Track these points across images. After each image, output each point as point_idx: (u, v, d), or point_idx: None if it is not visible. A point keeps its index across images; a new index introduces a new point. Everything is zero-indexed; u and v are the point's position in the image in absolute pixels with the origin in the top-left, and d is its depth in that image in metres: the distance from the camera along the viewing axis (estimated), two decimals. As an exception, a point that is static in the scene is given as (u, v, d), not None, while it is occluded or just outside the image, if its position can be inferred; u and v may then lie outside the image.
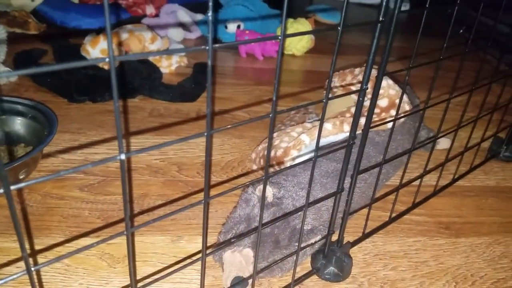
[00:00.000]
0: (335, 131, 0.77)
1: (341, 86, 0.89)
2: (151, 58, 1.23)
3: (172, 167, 0.85)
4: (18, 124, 0.83)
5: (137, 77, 1.13)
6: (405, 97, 0.80)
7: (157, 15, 1.59)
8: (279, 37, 0.34)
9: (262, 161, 0.83)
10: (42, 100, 1.03)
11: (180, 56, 1.30)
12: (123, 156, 0.29)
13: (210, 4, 0.28)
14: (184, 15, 1.53)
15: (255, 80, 1.28)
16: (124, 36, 1.20)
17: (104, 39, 1.18)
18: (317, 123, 0.83)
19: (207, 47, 0.30)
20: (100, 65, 1.16)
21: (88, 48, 1.18)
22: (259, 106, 1.13)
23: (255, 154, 0.85)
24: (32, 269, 0.30)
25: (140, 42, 1.21)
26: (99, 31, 1.28)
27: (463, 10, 1.76)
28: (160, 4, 1.62)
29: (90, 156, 0.86)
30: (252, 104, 1.13)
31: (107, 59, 0.25)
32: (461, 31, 1.78)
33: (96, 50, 1.18)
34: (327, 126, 0.77)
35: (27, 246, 0.65)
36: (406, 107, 0.80)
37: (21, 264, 0.61)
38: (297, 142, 0.76)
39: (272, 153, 0.79)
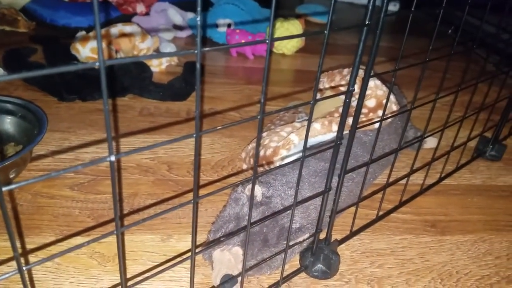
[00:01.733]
0: (324, 131, 0.78)
1: (330, 86, 0.90)
2: (141, 57, 1.23)
3: (162, 166, 0.86)
4: (8, 123, 0.83)
5: (127, 76, 1.13)
6: (392, 97, 0.81)
7: (147, 14, 1.59)
8: (267, 41, 0.35)
9: (252, 160, 0.83)
10: (32, 99, 1.03)
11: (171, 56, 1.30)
12: (113, 158, 0.30)
13: (198, 9, 0.28)
14: (174, 13, 1.53)
15: (246, 79, 1.29)
16: (114, 35, 1.20)
17: (94, 38, 1.18)
18: (306, 123, 0.84)
19: (196, 51, 0.31)
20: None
21: (78, 47, 1.18)
22: (249, 106, 1.13)
23: (245, 154, 0.86)
24: (24, 268, 0.31)
25: (130, 41, 1.21)
26: (89, 29, 1.28)
27: (451, 11, 1.78)
28: (150, 2, 1.61)
29: (80, 155, 0.86)
30: (243, 104, 1.14)
31: (97, 63, 0.25)
32: (449, 31, 1.80)
33: (86, 49, 1.18)
34: (316, 126, 0.78)
35: (18, 245, 0.65)
36: (394, 107, 0.82)
37: (12, 263, 0.62)
38: (286, 142, 0.77)
39: (262, 152, 0.79)
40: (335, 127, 0.78)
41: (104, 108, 0.27)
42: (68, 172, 0.81)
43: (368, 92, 0.80)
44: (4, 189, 0.26)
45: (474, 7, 0.65)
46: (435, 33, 0.60)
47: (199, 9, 0.29)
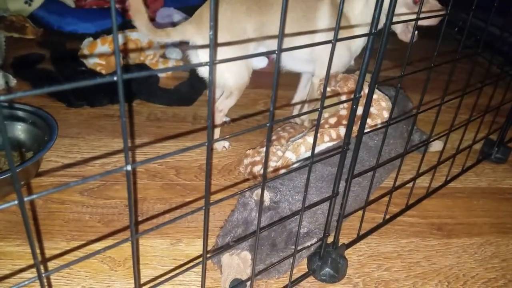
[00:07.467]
0: (317, 143, 0.79)
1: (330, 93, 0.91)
2: (148, 62, 1.24)
3: (170, 171, 0.87)
4: (19, 130, 0.84)
5: (135, 81, 1.14)
6: (384, 104, 0.82)
7: (153, 19, 1.60)
8: (276, 52, 0.36)
9: (251, 172, 0.85)
10: (41, 105, 1.04)
11: (176, 60, 1.32)
12: (129, 167, 0.31)
13: (211, 23, 0.29)
14: (179, 19, 1.54)
15: (251, 83, 1.29)
16: (121, 41, 1.21)
17: (101, 44, 1.20)
18: (299, 140, 0.85)
19: (208, 63, 0.32)
20: (98, 69, 1.17)
21: (86, 53, 1.19)
22: (254, 109, 1.14)
23: (243, 169, 0.87)
24: (43, 275, 0.32)
25: (137, 46, 1.22)
26: (96, 35, 1.29)
27: (456, 12, 1.78)
28: (156, 8, 1.63)
29: (89, 161, 0.87)
30: (248, 107, 1.14)
31: (115, 78, 0.26)
32: (456, 29, 1.80)
33: (94, 55, 1.19)
34: (309, 139, 0.80)
35: (30, 250, 0.66)
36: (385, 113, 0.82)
37: (23, 266, 0.63)
38: (284, 160, 0.79)
39: (259, 169, 0.82)
40: (326, 138, 0.80)
41: (122, 121, 0.28)
42: (77, 177, 0.82)
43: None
44: (26, 199, 0.27)
45: (478, 8, 0.66)
46: (440, 38, 0.61)
47: (212, 23, 0.29)
